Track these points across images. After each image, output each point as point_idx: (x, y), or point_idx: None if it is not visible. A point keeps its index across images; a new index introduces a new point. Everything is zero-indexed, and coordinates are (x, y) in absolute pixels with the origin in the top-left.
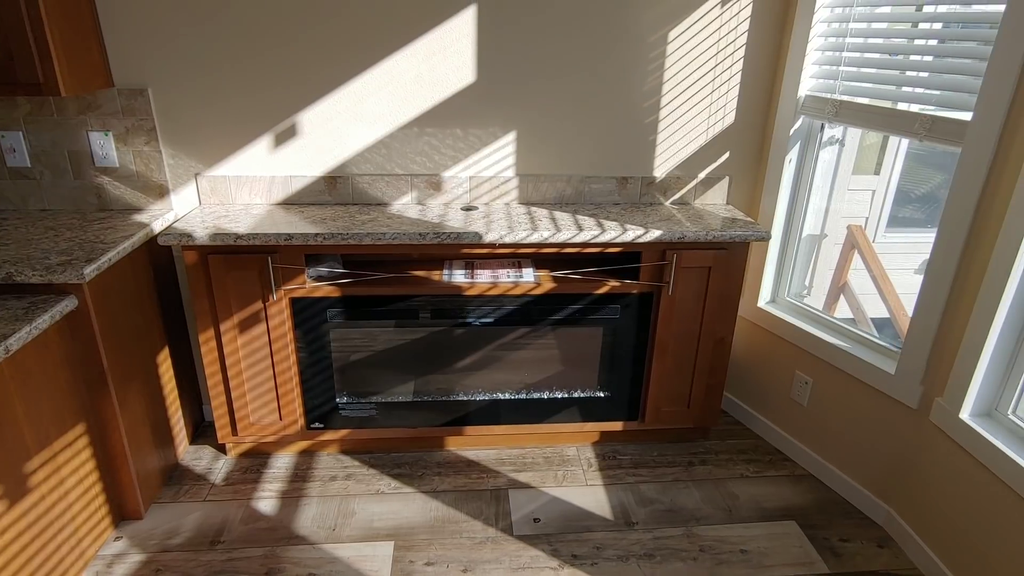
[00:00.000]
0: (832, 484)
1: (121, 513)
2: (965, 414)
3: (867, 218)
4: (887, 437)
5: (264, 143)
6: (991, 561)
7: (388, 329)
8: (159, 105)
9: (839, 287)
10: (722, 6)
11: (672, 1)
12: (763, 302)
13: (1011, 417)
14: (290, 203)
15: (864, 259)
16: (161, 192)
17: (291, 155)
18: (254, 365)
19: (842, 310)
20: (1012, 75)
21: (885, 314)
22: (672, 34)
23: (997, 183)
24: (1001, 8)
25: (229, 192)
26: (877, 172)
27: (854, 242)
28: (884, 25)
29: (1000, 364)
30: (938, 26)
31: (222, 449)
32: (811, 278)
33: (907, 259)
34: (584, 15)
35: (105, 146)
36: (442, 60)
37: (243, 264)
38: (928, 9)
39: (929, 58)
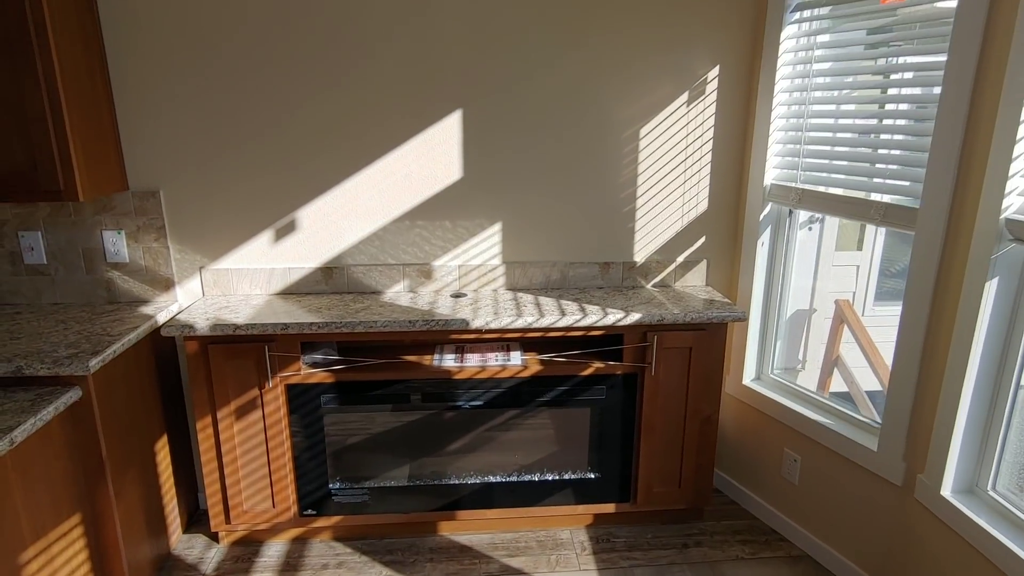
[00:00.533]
0: (828, 564)
1: None
2: (947, 491)
3: (854, 292)
4: (877, 515)
5: (265, 238)
6: None
7: (381, 413)
8: (169, 205)
9: (832, 361)
10: (688, 105)
11: (643, 102)
12: (748, 379)
13: (991, 493)
14: (288, 293)
15: (853, 333)
16: (167, 285)
17: (290, 249)
18: (249, 452)
19: (837, 384)
20: (951, 165)
21: (879, 387)
22: (644, 130)
23: (950, 263)
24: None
25: (231, 283)
26: (860, 248)
27: (842, 316)
28: (833, 121)
29: (974, 439)
30: (891, 120)
31: (215, 537)
32: (804, 352)
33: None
34: (560, 116)
35: (117, 243)
36: (431, 160)
37: (241, 353)
38: (891, 108)
39: (884, 151)
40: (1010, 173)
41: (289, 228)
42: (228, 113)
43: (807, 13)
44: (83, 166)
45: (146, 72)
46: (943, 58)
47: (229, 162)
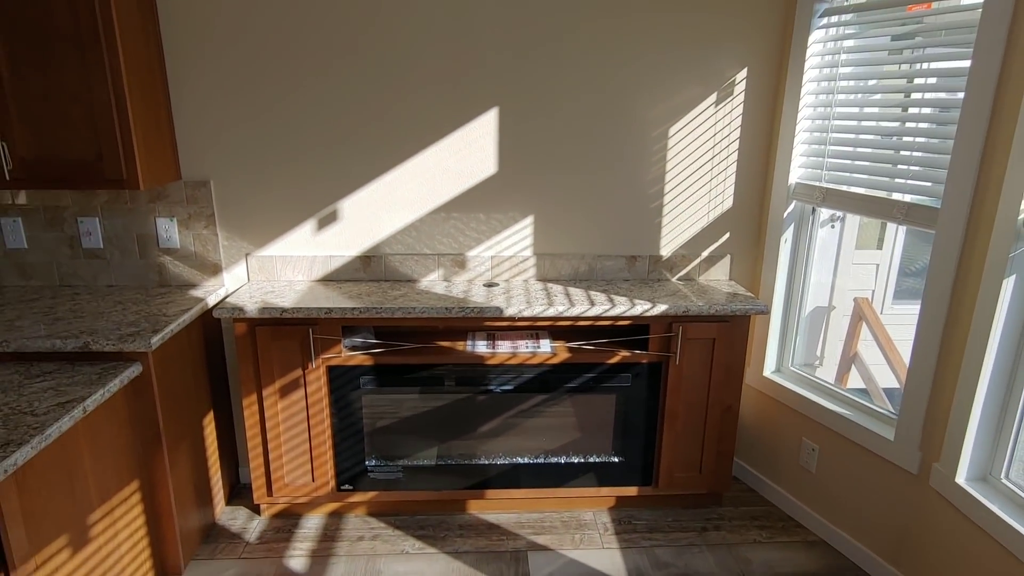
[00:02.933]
0: (844, 550)
1: (163, 568)
2: (961, 479)
3: (873, 291)
4: (893, 503)
5: (308, 227)
6: None
7: (415, 396)
8: (218, 194)
9: (850, 358)
10: (716, 105)
11: (672, 101)
12: (768, 371)
13: (1004, 481)
14: (328, 280)
15: (871, 330)
16: (215, 270)
17: (331, 238)
18: (291, 428)
19: (854, 380)
20: (972, 166)
21: (896, 384)
22: (672, 129)
23: (969, 261)
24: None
25: (275, 270)
26: (880, 247)
27: (861, 314)
28: (857, 123)
29: (989, 428)
30: (911, 123)
31: (256, 510)
32: (822, 349)
33: (914, 330)
34: (594, 114)
35: (170, 230)
36: (467, 154)
37: (287, 335)
38: (913, 111)
39: (906, 152)
40: None
41: (331, 218)
42: (276, 107)
43: (834, 19)
44: (143, 157)
45: (200, 67)
46: (967, 64)
47: (275, 154)
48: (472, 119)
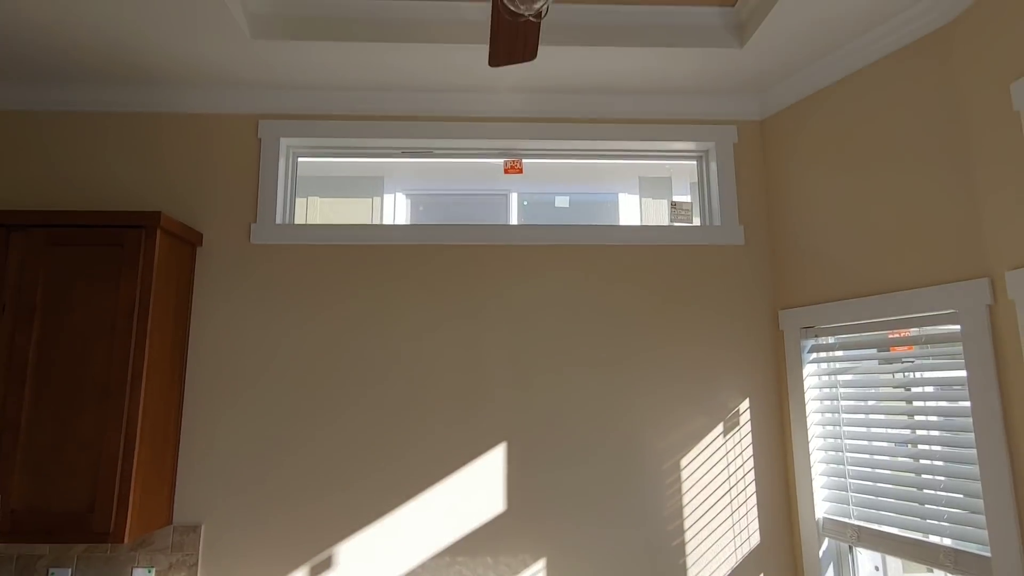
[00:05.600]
0: None
1: None
2: None
3: None
4: None
5: None
6: None
7: None
8: (207, 540)
9: None
10: (724, 435)
11: (679, 432)
12: None
13: None
14: None
15: None
16: None
17: None
18: None
19: None
20: (1009, 507)
21: None
22: (684, 461)
23: None
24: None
25: None
26: (931, 572)
27: None
28: (869, 456)
29: None
30: (927, 461)
31: None
32: None
33: None
34: (601, 449)
35: None
36: (474, 492)
37: None
38: (920, 419)
39: (929, 490)
40: None
41: (325, 565)
42: (282, 446)
43: (824, 354)
44: (137, 507)
45: (211, 407)
46: (964, 374)
47: (275, 496)
48: (480, 455)
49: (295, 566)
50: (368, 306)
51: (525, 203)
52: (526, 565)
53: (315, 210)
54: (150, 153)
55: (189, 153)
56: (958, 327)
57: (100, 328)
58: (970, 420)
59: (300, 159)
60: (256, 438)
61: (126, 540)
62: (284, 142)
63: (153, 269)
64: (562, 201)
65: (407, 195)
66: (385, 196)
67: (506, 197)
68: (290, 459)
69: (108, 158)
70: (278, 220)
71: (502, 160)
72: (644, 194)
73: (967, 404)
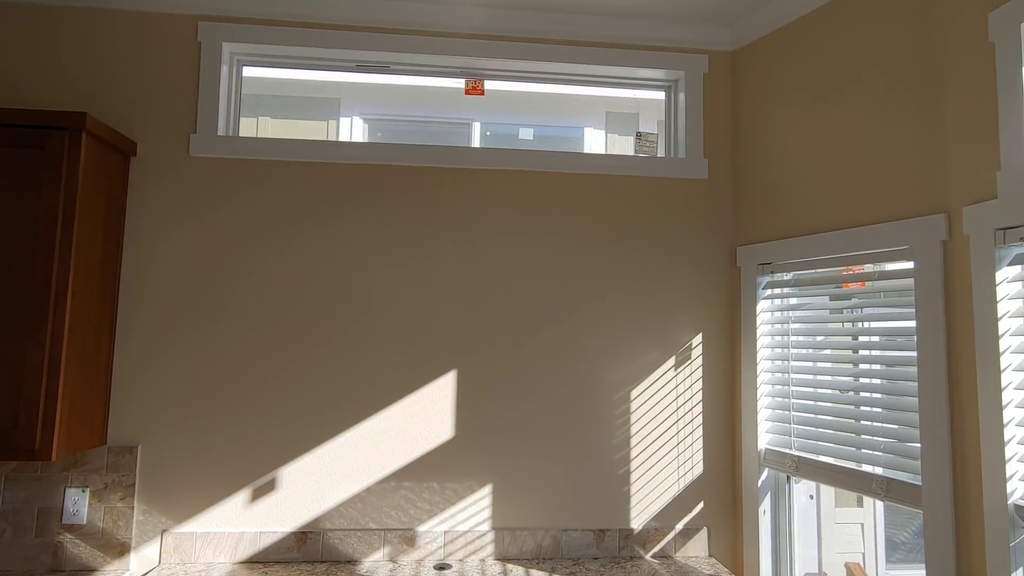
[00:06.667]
0: None
1: None
2: None
3: (863, 552)
4: None
5: (240, 498)
6: None
7: None
8: (145, 461)
9: None
10: (676, 369)
11: (632, 365)
12: None
13: None
14: (255, 562)
15: None
16: (121, 550)
17: (265, 510)
18: None
19: None
20: (944, 438)
21: None
22: (634, 392)
23: (967, 546)
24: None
25: (193, 550)
26: (860, 504)
27: None
28: (813, 389)
29: None
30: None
31: None
32: None
33: None
34: (552, 378)
35: (78, 503)
36: (423, 418)
37: None
38: (864, 367)
39: (867, 422)
40: (1007, 456)
41: (268, 488)
42: (221, 366)
43: (779, 291)
44: (64, 425)
45: (149, 328)
46: (912, 324)
47: (216, 416)
48: (430, 381)
49: (236, 488)
50: (317, 228)
51: (488, 133)
52: (472, 491)
53: (267, 131)
54: (81, 52)
55: (124, 55)
56: (912, 263)
57: (21, 238)
58: (914, 354)
59: (246, 68)
60: (198, 363)
61: (53, 458)
62: (227, 47)
63: (79, 176)
64: (526, 133)
65: (364, 119)
66: (341, 119)
67: (468, 126)
68: (233, 384)
69: (35, 55)
70: (220, 132)
71: (463, 81)
72: (611, 130)
73: (913, 339)
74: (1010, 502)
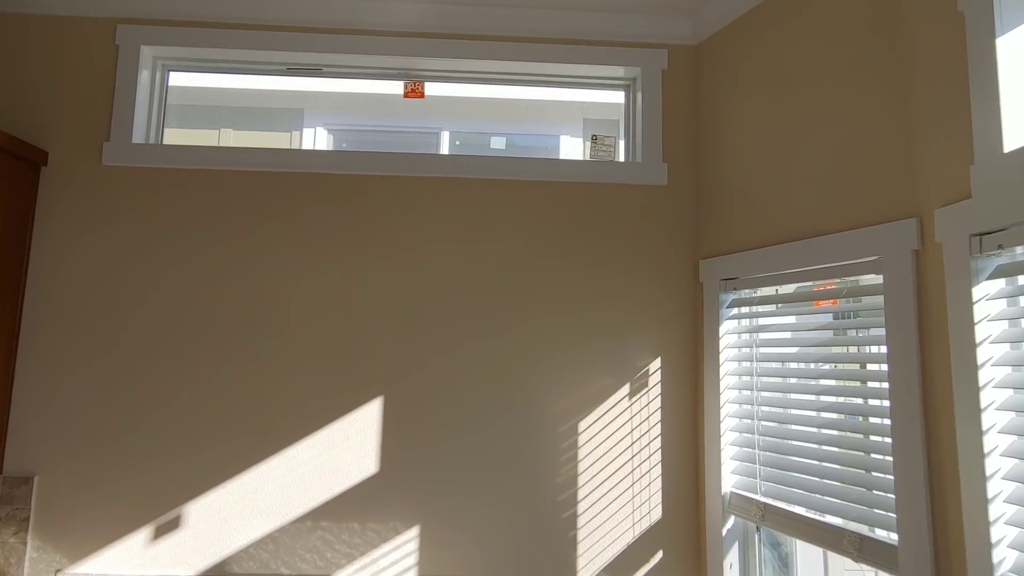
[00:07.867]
0: None
1: None
2: None
3: None
4: None
5: (141, 536)
6: None
7: None
8: (41, 493)
9: None
10: (631, 398)
11: (581, 392)
12: None
13: None
14: None
15: None
16: None
17: (168, 551)
18: None
19: None
20: (920, 493)
21: None
22: (582, 425)
23: None
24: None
25: None
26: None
27: None
28: (778, 424)
29: None
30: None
31: None
32: None
33: None
34: (492, 408)
35: None
36: (345, 450)
37: None
38: (831, 400)
39: (834, 465)
40: (991, 518)
41: (172, 525)
42: (126, 390)
43: (745, 310)
44: None
45: (51, 349)
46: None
47: (119, 445)
48: (353, 409)
49: (138, 525)
50: (232, 239)
51: (457, 143)
52: (397, 532)
53: (228, 143)
54: None
55: (37, 61)
56: (881, 278)
57: None
58: (887, 386)
59: (172, 73)
60: (101, 386)
61: None
62: (147, 50)
63: None
64: (498, 142)
65: (328, 129)
66: (305, 130)
67: (437, 135)
68: (138, 410)
69: None
70: (142, 140)
71: (401, 83)
72: (588, 137)
73: (885, 368)
74: (997, 574)
